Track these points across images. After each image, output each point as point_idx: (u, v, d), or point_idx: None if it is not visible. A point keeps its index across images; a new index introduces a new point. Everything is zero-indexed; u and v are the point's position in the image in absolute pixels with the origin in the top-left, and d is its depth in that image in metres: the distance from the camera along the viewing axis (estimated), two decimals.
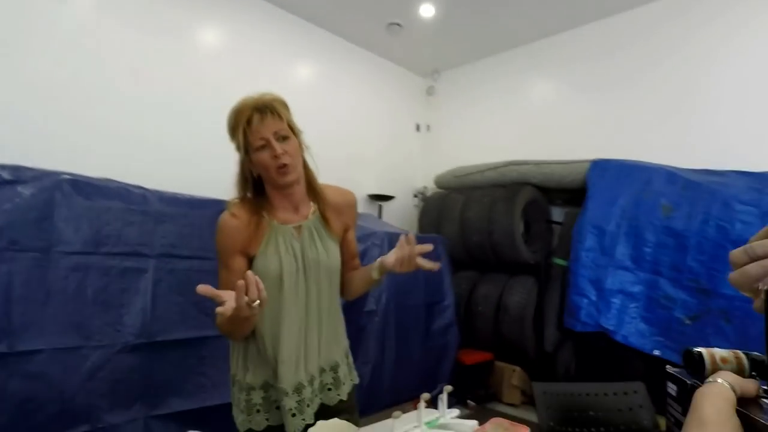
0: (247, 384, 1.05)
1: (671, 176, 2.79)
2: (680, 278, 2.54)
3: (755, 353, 0.51)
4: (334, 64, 3.97)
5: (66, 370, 1.62)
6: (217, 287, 1.03)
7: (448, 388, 1.07)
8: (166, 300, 1.90)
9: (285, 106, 1.09)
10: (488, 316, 3.36)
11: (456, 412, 1.10)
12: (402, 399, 2.77)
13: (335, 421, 0.76)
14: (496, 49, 4.20)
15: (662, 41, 3.24)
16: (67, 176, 1.72)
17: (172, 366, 1.89)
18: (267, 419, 1.05)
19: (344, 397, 1.14)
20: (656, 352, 2.55)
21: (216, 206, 2.14)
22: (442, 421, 1.05)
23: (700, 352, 0.52)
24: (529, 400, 3.23)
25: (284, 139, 1.05)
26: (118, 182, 1.86)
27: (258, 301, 0.82)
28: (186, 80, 2.93)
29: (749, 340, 2.23)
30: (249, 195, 1.11)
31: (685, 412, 0.50)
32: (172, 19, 2.88)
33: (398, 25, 3.78)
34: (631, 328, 2.66)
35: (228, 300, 0.81)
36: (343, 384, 1.14)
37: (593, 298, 2.81)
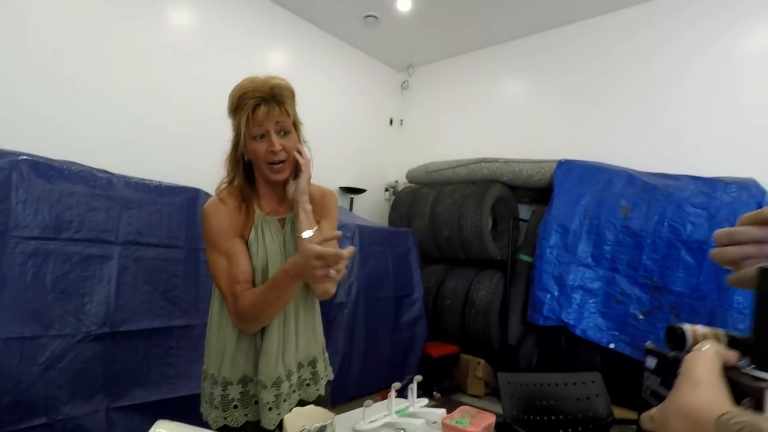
0: (224, 379, 1.02)
1: (631, 178, 2.93)
2: (636, 275, 2.69)
3: (733, 331, 0.56)
4: (309, 53, 3.92)
5: (22, 360, 1.55)
6: (217, 279, 1.01)
7: (418, 377, 1.10)
8: (131, 288, 1.85)
9: (293, 96, 1.06)
10: (456, 309, 3.44)
11: (425, 401, 1.13)
12: (370, 390, 2.81)
13: (311, 408, 0.77)
14: (471, 47, 4.27)
15: (629, 50, 3.38)
16: (26, 157, 1.64)
17: (136, 356, 1.85)
18: (246, 415, 1.02)
19: (323, 393, 1.13)
20: (612, 346, 2.69)
21: (186, 194, 2.09)
22: (411, 410, 1.08)
23: (682, 328, 0.56)
24: (492, 392, 3.34)
25: (285, 134, 1.03)
26: (82, 165, 1.79)
27: (335, 274, 0.84)
28: (157, 64, 2.83)
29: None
30: (237, 180, 1.07)
31: (663, 383, 0.54)
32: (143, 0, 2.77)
33: (375, 17, 3.77)
34: (590, 323, 2.80)
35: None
36: (321, 379, 1.14)
37: (555, 293, 2.93)
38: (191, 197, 2.10)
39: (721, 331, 0.54)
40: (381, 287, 3.04)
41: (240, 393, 1.02)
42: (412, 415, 1.08)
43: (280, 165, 1.02)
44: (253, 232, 1.04)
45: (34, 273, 1.61)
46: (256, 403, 1.02)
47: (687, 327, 0.54)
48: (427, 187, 3.96)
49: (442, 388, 3.28)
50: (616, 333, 2.70)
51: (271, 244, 1.05)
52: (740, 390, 0.39)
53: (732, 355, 0.43)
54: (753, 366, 0.42)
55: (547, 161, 3.36)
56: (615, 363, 2.69)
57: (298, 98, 1.08)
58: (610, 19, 3.50)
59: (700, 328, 0.54)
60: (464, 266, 3.63)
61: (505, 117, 4.06)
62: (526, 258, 3.25)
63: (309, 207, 1.06)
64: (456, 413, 1.00)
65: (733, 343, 0.54)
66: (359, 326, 2.83)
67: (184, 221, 2.06)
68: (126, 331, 1.80)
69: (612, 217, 2.84)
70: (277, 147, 1.00)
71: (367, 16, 3.77)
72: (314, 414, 0.73)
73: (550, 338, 3.02)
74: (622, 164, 3.12)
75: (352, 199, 4.16)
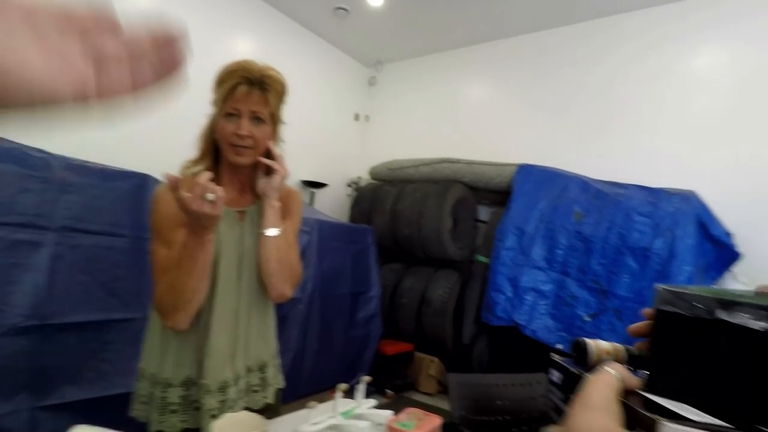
0: (164, 380, 0.94)
1: (585, 185, 3.04)
2: (584, 279, 2.80)
3: (633, 347, 0.58)
4: (276, 42, 3.81)
5: None
6: (154, 271, 0.93)
7: (366, 378, 1.08)
8: (66, 278, 1.72)
9: (281, 92, 1.02)
10: (412, 308, 3.45)
11: (372, 402, 1.11)
12: (322, 387, 2.77)
13: (243, 414, 0.73)
14: (439, 47, 4.29)
15: (588, 63, 3.51)
16: None
17: (69, 351, 1.72)
18: (183, 421, 0.95)
19: (271, 401, 1.07)
20: (559, 346, 2.78)
21: (134, 179, 1.97)
22: (358, 411, 1.06)
23: (586, 341, 0.57)
24: (444, 390, 3.38)
25: (258, 121, 0.98)
26: (13, 143, 1.63)
27: (214, 195, 0.78)
28: None
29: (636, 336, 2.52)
30: (206, 162, 1.01)
31: (566, 399, 0.54)
32: None
33: (345, 9, 3.71)
34: (540, 324, 2.88)
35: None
36: (270, 386, 1.08)
37: (509, 294, 3.00)
38: (139, 183, 1.97)
39: (621, 347, 0.56)
40: (337, 283, 3.00)
41: (181, 397, 0.94)
42: (359, 417, 1.05)
43: (242, 149, 0.97)
44: None
45: None
46: (197, 409, 0.95)
47: (590, 342, 0.55)
48: (390, 184, 3.95)
49: (395, 386, 3.29)
50: (564, 334, 2.80)
51: (225, 237, 0.98)
52: (634, 419, 0.39)
53: (634, 381, 0.44)
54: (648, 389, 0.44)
55: (508, 164, 3.43)
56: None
57: None
58: (571, 31, 3.61)
59: (603, 344, 0.55)
60: (422, 265, 3.65)
61: (470, 119, 4.11)
62: (482, 259, 3.30)
63: (278, 204, 1.02)
64: (402, 415, 0.99)
65: (632, 358, 0.56)
66: (313, 322, 2.78)
67: (129, 208, 1.94)
68: (57, 324, 1.67)
69: (566, 222, 2.93)
70: (245, 131, 0.95)
71: (338, 8, 3.71)
72: (246, 421, 0.69)
73: (502, 338, 3.08)
74: (577, 171, 3.23)
75: (313, 193, 4.09)
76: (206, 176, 0.80)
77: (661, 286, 0.46)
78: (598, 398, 0.38)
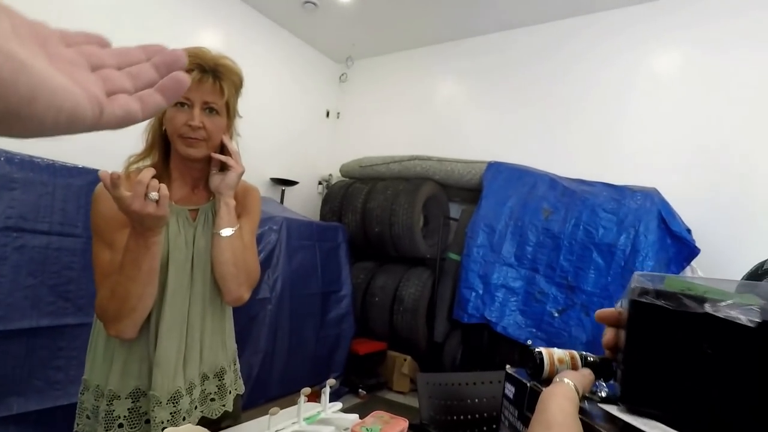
0: (110, 392, 0.87)
1: (553, 183, 3.09)
2: (553, 275, 2.84)
3: (588, 354, 0.55)
4: (245, 36, 3.71)
5: None
6: (96, 275, 0.86)
7: (331, 381, 1.04)
8: (11, 282, 1.60)
9: (236, 82, 0.95)
10: (384, 306, 3.43)
11: (338, 405, 1.07)
12: (293, 389, 2.70)
13: (188, 428, 0.68)
14: (410, 44, 4.27)
15: (555, 62, 3.57)
16: None
17: (15, 360, 1.60)
18: None
19: (230, 408, 1.01)
20: (529, 342, 2.82)
21: (87, 176, 1.86)
22: (323, 416, 1.02)
23: (540, 352, 0.53)
24: (417, 388, 3.38)
25: (211, 112, 0.91)
26: None
27: (157, 194, 0.72)
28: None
29: (601, 330, 2.57)
30: (153, 157, 0.95)
31: (520, 415, 0.51)
32: None
33: (314, 4, 3.64)
34: (510, 320, 2.91)
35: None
36: (229, 393, 1.01)
37: (480, 291, 3.02)
38: (93, 180, 1.86)
39: (576, 354, 0.54)
40: (308, 283, 2.94)
41: (128, 410, 0.87)
42: (323, 422, 1.01)
43: (193, 141, 0.90)
44: None
45: None
46: (147, 422, 0.88)
47: (544, 352, 0.52)
48: (361, 182, 3.92)
49: (368, 386, 3.26)
50: (534, 330, 2.84)
51: (175, 238, 0.92)
52: None
53: (587, 381, 0.41)
54: (620, 403, 0.41)
55: (478, 162, 3.45)
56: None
57: None
58: (539, 30, 3.66)
59: (557, 352, 0.53)
60: (394, 263, 3.63)
61: (441, 116, 4.11)
62: (454, 256, 3.31)
63: (233, 202, 0.96)
64: (368, 419, 0.95)
65: (587, 366, 0.53)
66: (283, 323, 2.72)
67: (82, 207, 1.83)
68: (0, 331, 1.55)
69: (535, 219, 2.97)
70: (197, 122, 0.88)
71: (306, 2, 3.63)
72: None
73: (473, 335, 3.10)
74: (545, 169, 3.28)
75: (283, 191, 4.00)
76: (148, 173, 0.74)
77: (639, 273, 0.43)
78: (557, 413, 0.36)
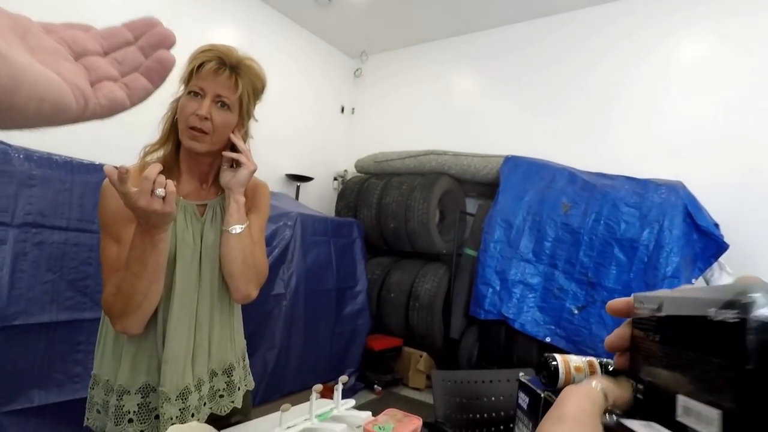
0: (120, 387, 0.87)
1: (572, 177, 3.00)
2: (572, 271, 2.77)
3: (609, 361, 0.49)
4: (259, 32, 3.71)
5: None
6: (103, 270, 0.86)
7: (344, 378, 1.02)
8: (31, 277, 1.63)
9: (255, 84, 0.94)
10: (400, 302, 3.40)
11: (351, 402, 1.06)
12: (309, 384, 2.70)
13: (193, 425, 0.67)
14: (425, 37, 4.21)
15: (575, 53, 3.46)
16: None
17: (35, 354, 1.63)
18: (142, 431, 0.87)
19: (239, 405, 1.00)
20: (548, 339, 2.76)
21: (103, 173, 1.87)
22: (335, 413, 1.00)
23: (555, 359, 0.48)
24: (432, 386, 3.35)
25: (222, 106, 0.89)
26: None
27: (163, 191, 0.70)
28: None
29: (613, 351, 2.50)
30: (166, 148, 0.94)
31: (534, 427, 0.47)
32: None
33: None
34: (528, 317, 2.85)
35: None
36: (238, 389, 1.00)
37: (497, 287, 2.97)
38: None
39: (595, 362, 0.49)
40: (323, 279, 2.93)
41: (138, 405, 0.87)
42: (336, 419, 1.00)
43: (198, 132, 0.88)
44: None
45: None
46: (157, 417, 0.88)
47: (558, 359, 0.47)
48: (376, 177, 3.89)
49: (383, 382, 3.24)
50: (552, 327, 2.77)
51: (183, 233, 0.91)
52: None
53: (626, 394, 0.33)
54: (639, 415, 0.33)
55: (494, 156, 3.38)
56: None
57: None
58: (558, 21, 3.56)
59: (574, 359, 0.48)
60: (410, 259, 3.60)
61: (456, 110, 4.05)
62: (470, 252, 3.26)
63: (242, 199, 0.94)
64: (381, 417, 0.93)
65: (608, 373, 0.48)
66: (298, 319, 2.72)
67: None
68: (21, 325, 1.58)
69: (553, 213, 2.89)
70: (205, 112, 0.86)
71: None
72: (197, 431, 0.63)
73: (490, 332, 3.05)
74: (564, 162, 3.19)
75: (298, 186, 4.00)
76: (155, 169, 0.72)
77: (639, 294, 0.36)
78: (572, 410, 0.30)
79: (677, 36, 3.07)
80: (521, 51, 3.73)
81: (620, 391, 0.33)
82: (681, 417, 0.27)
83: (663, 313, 0.30)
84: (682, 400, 0.27)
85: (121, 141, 2.49)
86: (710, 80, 2.91)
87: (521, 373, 0.53)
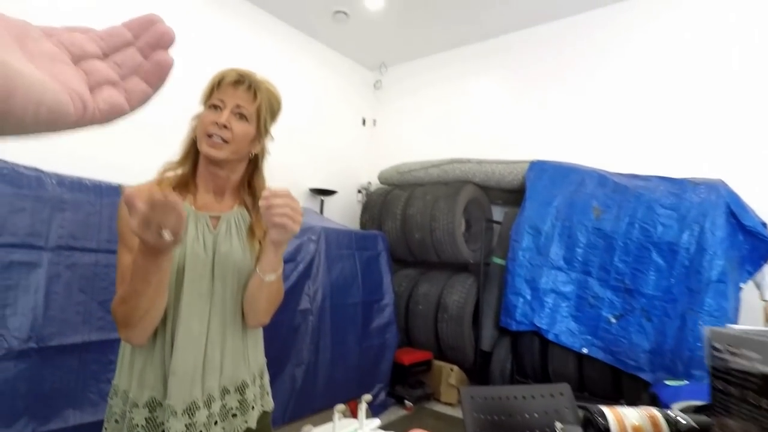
0: (131, 399, 0.87)
1: (602, 179, 2.89)
2: (607, 278, 2.64)
3: (679, 415, 0.37)
4: (279, 50, 3.79)
5: None
6: (117, 276, 0.86)
7: (367, 397, 0.98)
8: (64, 299, 1.67)
9: (272, 103, 0.98)
10: (428, 314, 3.34)
11: (376, 422, 1.02)
12: (338, 401, 2.67)
13: None
14: (444, 46, 4.20)
15: (599, 52, 3.37)
16: None
17: (69, 374, 1.67)
18: None
19: (253, 425, 0.97)
20: (584, 350, 2.63)
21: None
22: None
23: (605, 416, 0.37)
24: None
25: (241, 117, 0.92)
26: (5, 162, 1.60)
27: (170, 235, 0.65)
28: None
29: (667, 337, 2.35)
30: (185, 167, 0.96)
31: None
32: None
33: (344, 13, 3.66)
34: (562, 327, 2.73)
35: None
36: (252, 409, 0.97)
37: (528, 297, 2.86)
38: None
39: (658, 415, 0.36)
40: (349, 292, 2.91)
41: (146, 419, 0.86)
42: None
43: (217, 140, 0.90)
44: None
45: None
46: None
47: (610, 417, 0.35)
48: (399, 188, 3.86)
49: (414, 397, 3.17)
50: (589, 337, 2.65)
51: (193, 243, 0.90)
52: None
53: None
54: None
55: (519, 162, 3.30)
56: (588, 367, 2.64)
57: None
58: (580, 21, 3.48)
59: (630, 415, 0.35)
60: (437, 270, 3.54)
61: (478, 116, 4.00)
62: (499, 261, 3.18)
63: (282, 250, 0.92)
64: None
65: None
66: (325, 334, 2.70)
67: None
68: (56, 346, 1.62)
69: (584, 218, 2.79)
70: (224, 120, 0.89)
71: (337, 12, 3.66)
72: None
73: (523, 343, 2.94)
74: (592, 165, 3.08)
75: (322, 201, 4.02)
76: (167, 208, 0.66)
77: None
78: None
79: (713, 29, 2.93)
80: (542, 53, 3.66)
81: None
82: None
83: None
84: None
85: (147, 163, 2.56)
86: (751, 71, 2.76)
87: (559, 426, 0.44)
